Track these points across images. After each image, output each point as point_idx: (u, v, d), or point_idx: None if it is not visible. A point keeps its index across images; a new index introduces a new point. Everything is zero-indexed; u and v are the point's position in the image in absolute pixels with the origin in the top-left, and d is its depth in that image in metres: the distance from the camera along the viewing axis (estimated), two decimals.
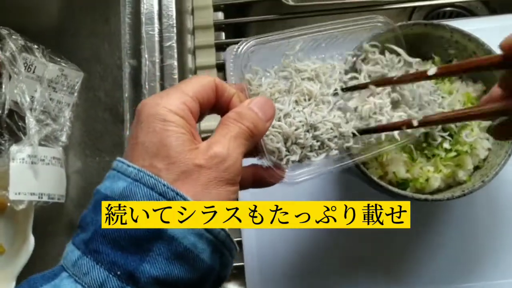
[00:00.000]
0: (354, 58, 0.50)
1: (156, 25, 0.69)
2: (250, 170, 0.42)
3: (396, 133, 0.47)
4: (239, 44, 0.43)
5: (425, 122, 0.44)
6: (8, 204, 0.61)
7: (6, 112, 0.62)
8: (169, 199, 0.32)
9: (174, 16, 0.69)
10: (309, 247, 0.63)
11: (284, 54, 0.47)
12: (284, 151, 0.43)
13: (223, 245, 0.34)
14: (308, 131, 0.44)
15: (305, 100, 0.45)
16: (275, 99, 0.45)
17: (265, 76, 0.46)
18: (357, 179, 0.58)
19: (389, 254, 0.63)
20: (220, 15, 0.76)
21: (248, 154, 0.42)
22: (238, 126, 0.36)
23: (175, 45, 0.68)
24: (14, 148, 0.60)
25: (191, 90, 0.36)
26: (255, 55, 0.44)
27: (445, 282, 0.62)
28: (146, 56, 0.68)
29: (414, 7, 0.86)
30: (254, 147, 0.41)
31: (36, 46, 0.66)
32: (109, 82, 0.69)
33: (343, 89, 0.48)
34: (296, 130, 0.43)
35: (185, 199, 0.32)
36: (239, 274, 0.64)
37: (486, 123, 0.56)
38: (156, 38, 0.68)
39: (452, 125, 0.54)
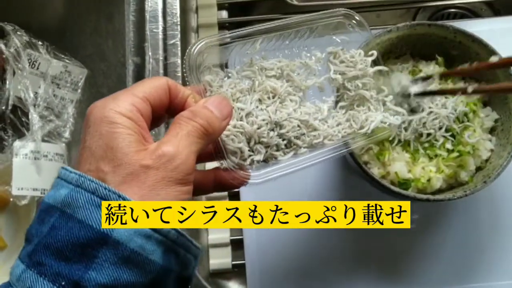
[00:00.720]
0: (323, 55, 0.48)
1: (160, 23, 0.69)
2: (212, 173, 0.41)
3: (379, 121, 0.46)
4: (192, 44, 0.42)
5: (479, 90, 0.47)
6: (11, 199, 0.61)
7: (10, 108, 0.63)
8: None
9: (178, 14, 0.69)
10: (309, 246, 0.63)
11: (246, 53, 0.45)
12: (246, 151, 0.41)
13: (175, 244, 0.33)
14: (273, 129, 0.43)
15: (269, 98, 0.44)
16: (236, 98, 0.43)
17: (227, 77, 0.44)
18: (358, 178, 0.58)
19: (390, 254, 0.63)
20: (224, 14, 0.76)
21: (208, 157, 0.41)
22: (191, 125, 0.35)
23: (179, 43, 0.68)
24: (17, 143, 0.60)
25: (141, 92, 0.35)
26: (210, 56, 0.43)
27: (446, 283, 0.62)
28: (150, 54, 0.68)
29: (419, 8, 0.86)
30: (214, 150, 0.40)
31: (40, 43, 0.66)
32: (113, 80, 0.70)
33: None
34: (258, 128, 0.42)
35: (128, 201, 0.31)
36: (240, 272, 0.64)
37: (488, 125, 0.56)
38: (160, 36, 0.68)
39: (455, 126, 0.54)
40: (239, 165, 0.41)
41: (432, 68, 0.58)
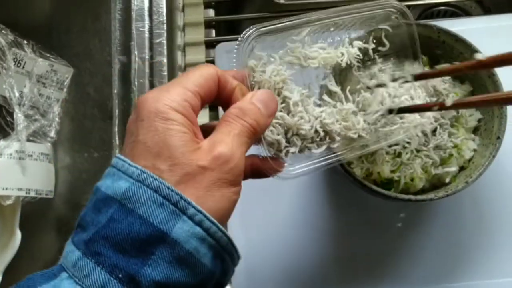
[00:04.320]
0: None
1: (147, 21, 0.69)
2: (249, 161, 0.41)
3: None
4: (245, 31, 0.42)
5: (459, 104, 0.46)
6: None
7: None
8: (173, 203, 0.31)
9: (164, 13, 0.69)
10: (296, 250, 0.63)
11: (291, 39, 0.45)
12: (283, 143, 0.42)
13: (224, 250, 0.34)
14: (309, 121, 0.43)
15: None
16: (279, 88, 0.43)
17: (269, 62, 0.43)
18: (342, 178, 0.58)
19: (376, 254, 0.63)
20: (211, 13, 0.76)
21: None
22: (241, 124, 0.35)
23: (165, 42, 0.68)
24: (1, 143, 0.60)
25: (193, 84, 0.35)
26: (260, 43, 0.43)
27: (432, 282, 0.62)
28: (136, 52, 0.68)
29: (408, 6, 0.86)
30: None
31: (26, 42, 0.66)
32: (99, 79, 0.69)
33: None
34: (298, 121, 0.42)
35: (189, 203, 0.31)
36: None
37: (472, 124, 0.56)
38: (146, 35, 0.68)
39: (438, 126, 0.54)
40: (275, 156, 0.42)
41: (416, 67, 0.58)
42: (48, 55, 0.67)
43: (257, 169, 0.41)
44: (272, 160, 0.41)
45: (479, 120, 0.56)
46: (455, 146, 0.54)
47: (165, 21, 0.69)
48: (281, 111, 0.42)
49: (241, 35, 0.41)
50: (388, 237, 0.63)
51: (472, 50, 0.55)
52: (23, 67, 0.65)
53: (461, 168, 0.56)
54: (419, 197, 0.52)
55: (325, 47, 0.46)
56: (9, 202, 0.60)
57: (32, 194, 0.61)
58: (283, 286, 0.62)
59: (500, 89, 0.54)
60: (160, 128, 0.33)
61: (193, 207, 0.32)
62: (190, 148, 0.33)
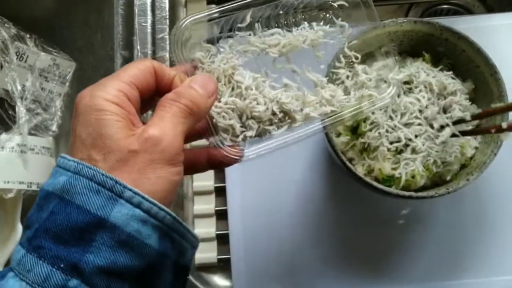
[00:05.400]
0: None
1: (149, 16, 0.69)
2: (204, 152, 0.41)
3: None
4: (179, 21, 0.41)
5: None
6: None
7: None
8: (108, 188, 0.32)
9: (167, 8, 0.69)
10: (296, 241, 0.63)
11: (237, 28, 0.44)
12: (238, 127, 0.41)
13: (171, 229, 0.34)
14: (265, 103, 0.42)
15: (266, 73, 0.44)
16: (229, 74, 0.42)
17: (219, 53, 0.43)
18: (343, 174, 0.58)
19: (377, 250, 0.63)
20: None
21: (199, 136, 0.42)
22: (176, 106, 0.36)
23: (167, 37, 0.68)
24: (3, 136, 0.60)
25: (128, 77, 0.36)
26: (199, 32, 0.42)
27: (432, 279, 0.62)
28: (139, 47, 0.68)
29: (411, 4, 0.86)
30: (204, 129, 0.40)
31: (28, 35, 0.66)
32: (101, 73, 0.69)
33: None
34: (251, 103, 0.41)
35: (124, 186, 0.32)
36: (225, 267, 0.64)
37: (473, 122, 0.56)
38: (149, 30, 0.68)
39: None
40: (232, 141, 0.41)
41: (418, 64, 0.57)
42: (50, 49, 0.67)
43: (214, 160, 0.41)
44: (227, 148, 0.41)
45: None
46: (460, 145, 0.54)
47: (167, 16, 0.69)
48: (233, 96, 0.42)
49: (175, 26, 0.41)
50: (389, 234, 0.63)
51: (475, 48, 0.55)
52: (26, 61, 0.65)
53: (462, 166, 0.56)
54: (420, 194, 0.52)
55: (281, 32, 0.45)
56: (10, 195, 0.60)
57: (34, 187, 0.61)
58: (283, 281, 0.62)
59: (503, 87, 0.54)
60: (93, 120, 0.33)
61: (130, 189, 0.32)
62: (123, 135, 0.33)
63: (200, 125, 0.40)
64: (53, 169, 0.35)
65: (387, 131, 0.53)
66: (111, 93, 0.34)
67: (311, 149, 0.65)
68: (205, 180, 0.68)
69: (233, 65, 0.43)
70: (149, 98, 0.38)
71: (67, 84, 0.68)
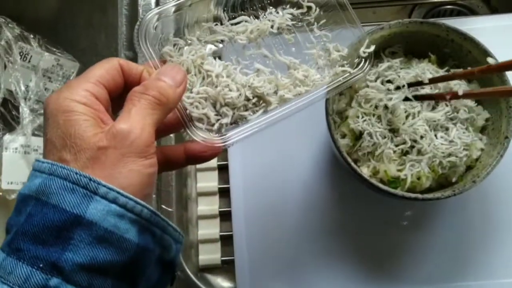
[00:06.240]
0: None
1: None
2: (181, 147, 0.42)
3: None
4: (143, 17, 0.42)
5: (471, 94, 0.48)
6: (0, 193, 0.61)
7: (0, 101, 0.62)
8: (83, 186, 0.32)
9: None
10: (301, 241, 0.63)
11: (202, 17, 0.45)
12: (213, 116, 0.41)
13: (150, 223, 0.34)
14: (237, 89, 0.42)
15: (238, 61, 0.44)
16: (198, 65, 0.42)
17: (187, 45, 0.43)
18: (349, 176, 0.58)
19: (381, 251, 0.63)
20: (219, 10, 0.76)
21: (172, 129, 0.42)
22: (144, 98, 0.36)
23: None
24: (7, 137, 0.60)
25: (93, 76, 0.36)
26: (165, 26, 0.43)
27: (437, 281, 0.62)
28: None
29: (415, 5, 0.86)
30: (177, 122, 0.40)
31: (32, 36, 0.66)
32: None
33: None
34: (222, 90, 0.41)
35: (98, 183, 0.32)
36: (229, 268, 0.64)
37: (479, 124, 0.56)
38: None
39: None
40: (208, 130, 0.41)
41: (424, 66, 0.57)
42: (54, 49, 0.67)
43: (192, 155, 0.42)
44: (203, 140, 0.41)
45: (487, 120, 0.56)
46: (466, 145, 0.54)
47: None
48: (204, 86, 0.42)
49: (137, 22, 0.41)
50: (394, 235, 0.63)
51: (481, 49, 0.54)
52: (29, 61, 0.65)
53: (468, 168, 0.56)
54: (426, 195, 0.52)
55: (248, 19, 0.46)
56: (14, 196, 0.60)
57: None
58: (287, 282, 0.62)
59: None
60: (61, 121, 0.34)
61: (104, 186, 0.32)
62: (92, 133, 0.33)
63: (174, 117, 0.40)
64: (29, 173, 0.35)
65: (385, 137, 0.54)
66: (78, 93, 0.35)
67: (316, 151, 0.65)
68: (209, 181, 0.67)
69: (201, 55, 0.43)
70: (120, 96, 0.38)
71: None
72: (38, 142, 0.62)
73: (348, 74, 0.46)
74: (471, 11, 0.86)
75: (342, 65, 0.48)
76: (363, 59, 0.47)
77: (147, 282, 0.35)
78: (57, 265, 0.31)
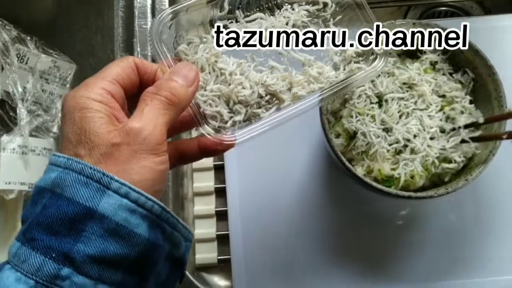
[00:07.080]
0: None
1: (149, 19, 0.69)
2: (195, 141, 0.43)
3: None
4: (156, 17, 0.42)
5: None
6: None
7: None
8: (96, 180, 0.33)
9: None
10: (296, 240, 0.63)
11: (217, 15, 0.45)
12: (226, 114, 0.42)
13: (161, 219, 0.35)
14: (250, 87, 0.43)
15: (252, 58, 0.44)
16: (212, 62, 0.43)
17: (202, 43, 0.44)
18: (343, 175, 0.59)
19: (376, 250, 0.63)
20: (215, 11, 0.76)
21: (186, 127, 0.43)
22: (156, 98, 0.36)
23: None
24: (5, 138, 0.61)
25: (109, 74, 0.37)
26: (179, 25, 0.43)
27: (431, 279, 0.62)
28: (139, 49, 0.68)
29: (410, 6, 0.86)
30: (191, 119, 0.41)
31: (29, 38, 0.66)
32: None
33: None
34: (236, 87, 0.42)
35: (111, 178, 0.33)
36: (225, 267, 0.65)
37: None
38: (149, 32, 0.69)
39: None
40: (222, 128, 0.42)
41: (418, 65, 0.58)
42: (51, 51, 0.67)
43: (205, 148, 0.42)
44: (215, 136, 0.41)
45: None
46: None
47: None
48: (218, 83, 0.42)
49: (152, 22, 0.42)
50: (388, 234, 0.63)
51: (473, 49, 0.55)
52: (26, 63, 0.65)
53: (461, 166, 0.56)
54: (419, 194, 0.52)
55: (263, 16, 0.46)
56: (12, 196, 0.60)
57: None
58: (283, 281, 0.62)
59: (501, 88, 0.54)
60: (77, 118, 0.35)
61: (116, 181, 0.33)
62: (106, 130, 0.34)
63: (188, 115, 0.41)
64: (46, 167, 0.36)
65: (378, 136, 0.54)
66: (94, 91, 0.36)
67: (311, 150, 0.66)
68: (205, 181, 0.68)
69: (215, 53, 0.43)
70: (135, 94, 0.39)
71: (68, 86, 0.68)
72: (36, 142, 0.63)
73: (363, 71, 0.46)
74: (465, 12, 0.87)
75: (357, 62, 0.48)
76: (378, 56, 0.47)
77: (157, 278, 0.36)
78: (69, 255, 0.32)
